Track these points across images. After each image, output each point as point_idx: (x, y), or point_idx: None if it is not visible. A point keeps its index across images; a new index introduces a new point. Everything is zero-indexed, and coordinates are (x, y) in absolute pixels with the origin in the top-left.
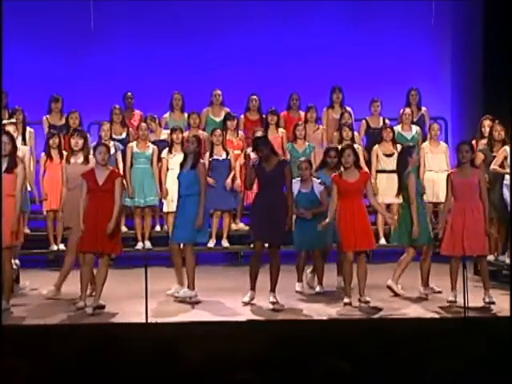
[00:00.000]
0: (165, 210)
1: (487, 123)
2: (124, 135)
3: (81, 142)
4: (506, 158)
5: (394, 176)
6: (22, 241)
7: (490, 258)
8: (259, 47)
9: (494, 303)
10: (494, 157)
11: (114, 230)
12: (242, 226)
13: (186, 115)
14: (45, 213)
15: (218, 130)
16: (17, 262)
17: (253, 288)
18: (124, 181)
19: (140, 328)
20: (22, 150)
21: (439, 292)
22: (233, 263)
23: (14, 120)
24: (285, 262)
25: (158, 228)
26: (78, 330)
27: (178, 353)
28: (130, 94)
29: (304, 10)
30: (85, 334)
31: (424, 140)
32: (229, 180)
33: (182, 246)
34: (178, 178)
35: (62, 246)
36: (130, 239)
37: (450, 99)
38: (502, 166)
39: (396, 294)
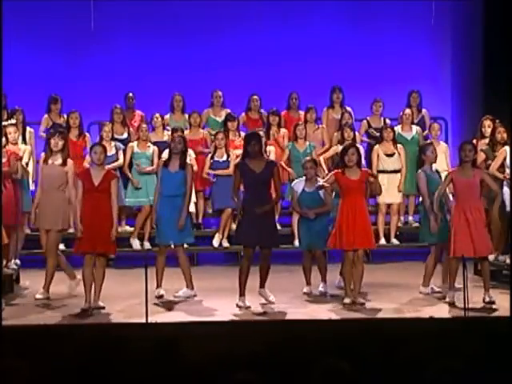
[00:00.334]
0: None
1: (487, 123)
2: (125, 135)
3: (61, 143)
4: (505, 158)
5: (395, 176)
6: None
7: (490, 257)
8: (259, 47)
9: (494, 303)
10: (496, 157)
11: (109, 232)
12: None
13: (186, 116)
14: None
15: (221, 134)
16: (17, 261)
17: (243, 294)
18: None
19: (140, 328)
20: (23, 150)
21: (439, 292)
22: (233, 263)
23: (14, 121)
24: (285, 261)
25: None
26: (78, 330)
27: (178, 353)
28: (131, 94)
29: (304, 9)
30: (85, 334)
31: (425, 141)
32: None
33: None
34: (162, 177)
35: (61, 246)
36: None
37: (450, 99)
38: (501, 166)
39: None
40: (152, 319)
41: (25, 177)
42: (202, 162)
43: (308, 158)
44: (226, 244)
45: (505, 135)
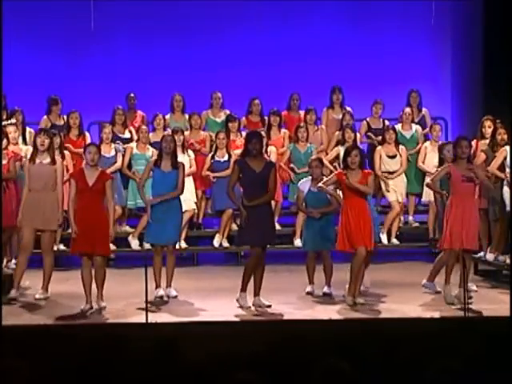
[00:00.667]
0: None
1: (488, 124)
2: (127, 134)
3: (47, 141)
4: (506, 158)
5: (398, 177)
6: None
7: (490, 257)
8: (259, 47)
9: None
10: (495, 157)
11: (104, 233)
12: None
13: (186, 116)
14: None
15: (222, 134)
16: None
17: (245, 289)
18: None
19: (140, 328)
20: (24, 150)
21: (440, 292)
22: (233, 263)
23: (14, 120)
24: (285, 261)
25: None
26: (78, 329)
27: (178, 353)
28: (132, 94)
29: (304, 9)
30: (85, 333)
31: (426, 140)
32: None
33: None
34: (155, 177)
35: (61, 246)
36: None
37: (450, 99)
38: (501, 165)
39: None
40: (152, 319)
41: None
42: (201, 162)
43: (313, 157)
44: (226, 244)
45: (505, 136)
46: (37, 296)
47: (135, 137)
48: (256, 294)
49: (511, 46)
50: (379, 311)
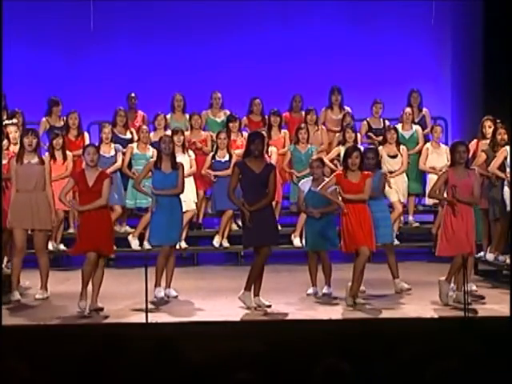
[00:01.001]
0: None
1: (488, 124)
2: (128, 135)
3: (35, 141)
4: (506, 158)
5: (399, 177)
6: None
7: (490, 257)
8: (259, 47)
9: (476, 291)
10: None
11: (108, 232)
12: None
13: (187, 116)
14: None
15: (223, 134)
16: None
17: (250, 289)
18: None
19: (140, 328)
20: None
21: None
22: (233, 263)
23: (15, 120)
24: (285, 261)
25: None
26: (78, 329)
27: (178, 353)
28: (133, 94)
29: (304, 9)
30: (85, 334)
31: (426, 141)
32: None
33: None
34: (156, 178)
35: (61, 246)
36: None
37: (450, 99)
38: (502, 165)
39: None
40: (152, 319)
41: None
42: (202, 163)
43: (314, 157)
44: (226, 244)
45: (505, 137)
46: (37, 296)
47: (136, 138)
48: (256, 293)
49: (511, 46)
50: (379, 311)
